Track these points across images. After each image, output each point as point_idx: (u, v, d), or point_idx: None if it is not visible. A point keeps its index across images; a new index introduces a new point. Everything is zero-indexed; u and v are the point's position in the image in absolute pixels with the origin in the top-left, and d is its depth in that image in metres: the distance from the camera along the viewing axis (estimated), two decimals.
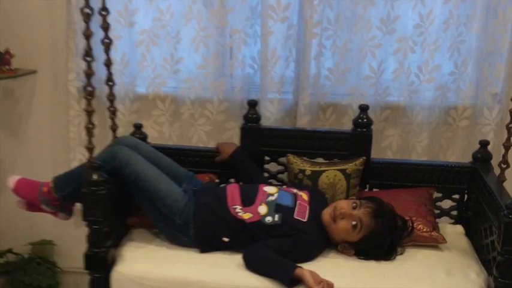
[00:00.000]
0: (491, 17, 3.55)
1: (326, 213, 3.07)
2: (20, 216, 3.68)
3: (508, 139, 3.25)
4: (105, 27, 3.09)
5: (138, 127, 3.49)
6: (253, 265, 2.88)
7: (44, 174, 3.24)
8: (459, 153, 3.78)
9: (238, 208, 3.05)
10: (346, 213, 3.00)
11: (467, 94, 3.68)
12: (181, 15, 3.68)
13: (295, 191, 3.20)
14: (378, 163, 3.48)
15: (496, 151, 3.52)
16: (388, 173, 3.47)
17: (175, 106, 3.85)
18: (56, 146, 4.02)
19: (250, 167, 3.44)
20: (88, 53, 2.78)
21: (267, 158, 3.58)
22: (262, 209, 3.04)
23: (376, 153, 3.56)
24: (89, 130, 2.85)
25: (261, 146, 3.52)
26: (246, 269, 2.88)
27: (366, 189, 3.51)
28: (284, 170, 3.57)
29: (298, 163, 3.43)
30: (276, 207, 3.05)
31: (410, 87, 3.69)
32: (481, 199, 3.17)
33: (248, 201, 3.08)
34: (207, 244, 3.03)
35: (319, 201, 3.22)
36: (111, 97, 3.31)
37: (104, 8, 3.05)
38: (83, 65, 2.85)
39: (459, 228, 3.41)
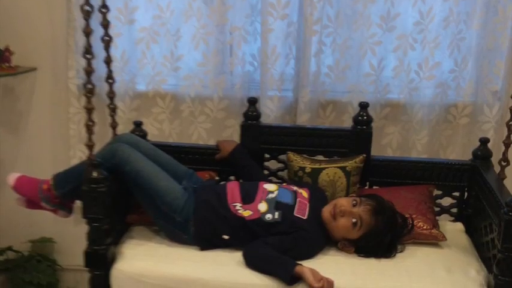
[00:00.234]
0: (491, 15, 3.55)
1: (326, 211, 3.07)
2: (20, 214, 3.67)
3: (508, 137, 3.25)
4: (105, 24, 3.09)
5: (138, 124, 3.49)
6: (253, 263, 2.88)
7: (43, 172, 3.23)
8: (459, 151, 3.78)
9: (238, 205, 3.05)
10: (346, 211, 3.00)
11: (467, 91, 3.68)
12: (181, 13, 3.68)
13: (295, 188, 3.20)
14: (378, 160, 3.48)
15: (496, 149, 3.53)
16: (388, 170, 3.47)
17: (175, 103, 3.85)
18: (56, 143, 4.02)
19: (250, 165, 3.44)
20: (88, 51, 2.77)
21: (267, 155, 3.58)
22: (262, 207, 3.04)
23: (376, 151, 3.56)
24: (89, 127, 2.85)
25: (261, 143, 3.52)
26: (246, 266, 2.89)
27: (366, 187, 3.51)
28: (284, 168, 3.56)
29: (298, 160, 3.43)
30: (276, 205, 3.05)
31: (411, 85, 3.69)
32: (481, 197, 3.17)
33: (248, 198, 3.08)
34: (207, 242, 3.03)
35: (319, 198, 3.22)
36: (111, 94, 3.31)
37: (104, 6, 3.05)
38: (82, 62, 2.84)
39: (459, 226, 3.42)
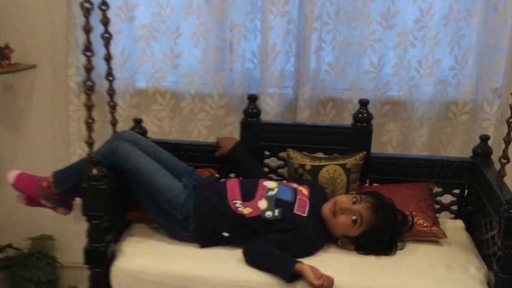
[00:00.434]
0: (492, 12, 3.54)
1: (326, 208, 3.06)
2: (20, 211, 3.68)
3: (508, 134, 3.25)
4: (105, 21, 3.09)
5: (138, 122, 3.49)
6: (253, 260, 2.88)
7: (43, 169, 3.23)
8: (459, 148, 3.78)
9: (238, 203, 3.04)
10: (346, 208, 3.00)
11: (468, 89, 3.67)
12: (181, 10, 3.68)
13: (295, 185, 3.20)
14: (378, 158, 3.48)
15: (496, 146, 3.53)
16: (388, 167, 3.47)
17: (175, 101, 3.84)
18: (56, 140, 4.02)
19: (250, 162, 3.44)
20: (88, 48, 2.77)
21: (267, 152, 3.58)
22: (262, 204, 3.04)
23: (376, 148, 3.56)
24: (89, 125, 2.85)
25: (261, 140, 3.52)
26: (246, 264, 2.88)
27: (366, 184, 3.51)
28: (284, 165, 3.56)
29: (298, 158, 3.42)
30: (276, 202, 3.05)
31: (411, 82, 3.68)
32: (481, 194, 3.17)
33: (248, 196, 3.08)
34: (207, 239, 3.03)
35: (319, 196, 3.22)
36: (111, 92, 3.30)
37: (104, 3, 3.03)
38: (82, 59, 2.84)
39: (459, 223, 3.41)
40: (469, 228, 3.36)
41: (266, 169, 3.59)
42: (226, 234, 3.01)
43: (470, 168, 3.39)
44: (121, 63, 3.72)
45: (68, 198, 3.18)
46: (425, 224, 3.15)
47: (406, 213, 3.11)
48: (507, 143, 3.27)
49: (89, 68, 2.79)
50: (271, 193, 3.09)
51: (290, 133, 3.51)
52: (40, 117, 4.01)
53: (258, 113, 3.52)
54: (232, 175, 3.52)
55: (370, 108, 3.47)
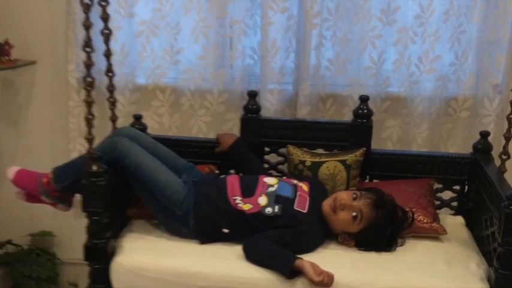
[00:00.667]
0: (492, 8, 3.54)
1: (326, 204, 3.06)
2: (20, 208, 3.67)
3: (508, 130, 3.25)
4: (105, 17, 3.08)
5: (137, 118, 3.49)
6: (253, 256, 2.88)
7: (43, 165, 3.23)
8: (459, 144, 3.78)
9: (238, 199, 3.04)
10: (347, 204, 3.00)
11: (468, 85, 3.67)
12: (181, 6, 3.67)
13: (295, 182, 3.20)
14: (378, 154, 3.48)
15: (496, 142, 3.53)
16: (388, 164, 3.46)
17: (175, 97, 3.84)
18: (56, 136, 4.02)
19: (250, 158, 3.44)
20: (88, 44, 2.77)
21: (267, 149, 3.58)
22: (262, 200, 3.03)
23: (376, 144, 3.56)
24: (89, 121, 2.85)
25: (261, 137, 3.51)
26: (246, 260, 2.88)
27: (366, 180, 3.50)
28: (284, 161, 3.56)
29: (298, 154, 3.42)
30: (276, 198, 3.04)
31: (411, 78, 3.68)
32: (482, 190, 3.17)
33: (248, 192, 3.08)
34: (206, 235, 3.03)
35: (319, 192, 3.22)
36: (111, 88, 3.30)
37: None
38: (82, 55, 2.83)
39: (459, 219, 3.41)
40: (469, 225, 3.36)
41: (266, 165, 3.58)
42: (226, 230, 3.01)
43: (470, 165, 3.38)
44: (121, 59, 3.72)
45: (68, 194, 3.18)
46: (425, 221, 3.15)
47: (406, 209, 3.11)
48: (507, 139, 3.27)
49: (88, 64, 2.78)
50: (271, 189, 3.09)
51: (290, 129, 3.51)
52: (40, 114, 4.01)
53: (258, 109, 3.52)
54: (232, 171, 3.52)
55: (370, 104, 3.47)
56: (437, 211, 3.31)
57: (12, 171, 3.15)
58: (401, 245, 3.07)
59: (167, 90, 3.83)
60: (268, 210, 3.00)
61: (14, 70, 3.82)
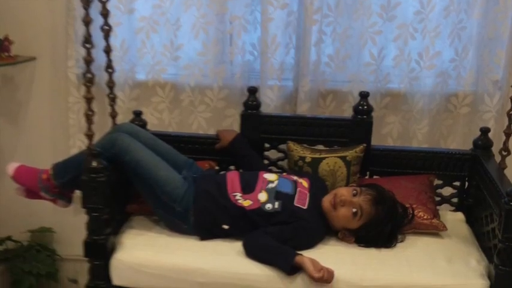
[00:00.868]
0: (492, 4, 3.54)
1: (326, 201, 3.06)
2: (19, 204, 3.67)
3: (508, 126, 3.24)
4: (105, 13, 3.08)
5: (137, 114, 3.49)
6: (253, 252, 2.88)
7: (43, 161, 3.23)
8: (460, 140, 3.77)
9: (238, 195, 3.04)
10: (347, 201, 3.00)
11: (468, 81, 3.67)
12: (181, 2, 3.66)
13: (295, 178, 3.20)
14: (379, 150, 3.48)
15: (496, 138, 3.52)
16: (388, 160, 3.46)
17: (175, 93, 3.84)
18: (56, 133, 4.02)
19: (250, 154, 3.44)
20: (87, 40, 2.77)
21: (267, 145, 3.57)
22: (262, 196, 3.03)
23: (376, 140, 3.56)
24: (89, 117, 2.84)
25: (261, 133, 3.51)
26: (246, 256, 2.88)
27: (366, 177, 3.51)
28: (284, 157, 3.56)
29: (298, 150, 3.42)
30: (276, 195, 3.04)
31: (411, 74, 3.68)
32: (482, 186, 3.17)
33: (248, 188, 3.07)
34: (206, 231, 3.03)
35: (319, 188, 3.21)
36: (111, 84, 3.30)
37: None
38: (82, 51, 2.83)
39: (460, 216, 3.41)
40: (469, 221, 3.36)
41: (266, 161, 3.58)
42: (226, 226, 3.01)
43: (470, 161, 3.38)
44: (121, 56, 3.71)
45: (68, 190, 3.18)
46: (425, 217, 3.15)
47: (407, 205, 3.11)
48: (507, 135, 3.27)
49: (88, 60, 2.78)
50: (271, 185, 3.09)
51: (290, 125, 3.50)
52: (40, 110, 4.00)
53: (258, 105, 3.52)
54: (232, 167, 3.52)
55: (371, 100, 3.46)
56: (438, 207, 3.30)
57: (12, 167, 3.15)
58: (402, 241, 3.06)
59: (167, 86, 3.82)
60: (268, 206, 3.00)
61: (13, 66, 3.82)
